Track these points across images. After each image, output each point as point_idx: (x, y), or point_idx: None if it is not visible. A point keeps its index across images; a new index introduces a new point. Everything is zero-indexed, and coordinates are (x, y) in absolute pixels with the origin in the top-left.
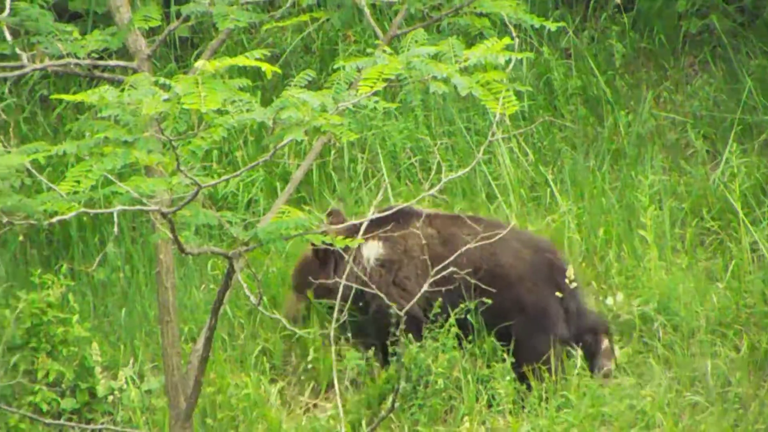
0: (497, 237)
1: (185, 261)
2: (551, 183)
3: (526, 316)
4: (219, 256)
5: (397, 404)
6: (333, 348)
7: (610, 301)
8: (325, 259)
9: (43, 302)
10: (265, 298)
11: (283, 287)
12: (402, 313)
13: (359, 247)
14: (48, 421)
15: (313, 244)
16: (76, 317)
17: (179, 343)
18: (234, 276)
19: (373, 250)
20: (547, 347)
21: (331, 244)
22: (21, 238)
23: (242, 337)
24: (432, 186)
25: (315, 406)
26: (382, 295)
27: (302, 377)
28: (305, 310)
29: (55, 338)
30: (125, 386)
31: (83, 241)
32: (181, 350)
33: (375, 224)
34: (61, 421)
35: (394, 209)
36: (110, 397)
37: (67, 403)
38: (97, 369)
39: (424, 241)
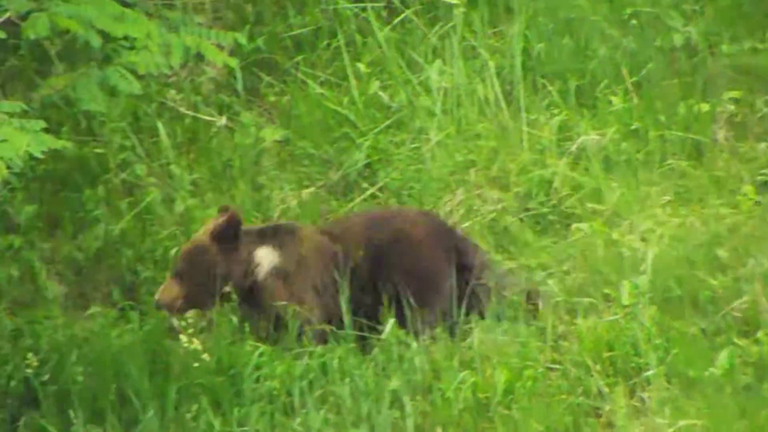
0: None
1: None
2: None
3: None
4: None
5: None
6: None
7: None
8: (223, 244)
9: None
10: None
11: None
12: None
13: (254, 248)
14: None
15: (212, 230)
16: None
17: None
18: None
19: (268, 257)
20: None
21: (234, 231)
22: None
23: None
24: None
25: None
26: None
27: None
28: (183, 301)
29: None
30: None
31: None
32: None
33: (265, 235)
34: None
35: (279, 223)
36: None
37: None
38: None
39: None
